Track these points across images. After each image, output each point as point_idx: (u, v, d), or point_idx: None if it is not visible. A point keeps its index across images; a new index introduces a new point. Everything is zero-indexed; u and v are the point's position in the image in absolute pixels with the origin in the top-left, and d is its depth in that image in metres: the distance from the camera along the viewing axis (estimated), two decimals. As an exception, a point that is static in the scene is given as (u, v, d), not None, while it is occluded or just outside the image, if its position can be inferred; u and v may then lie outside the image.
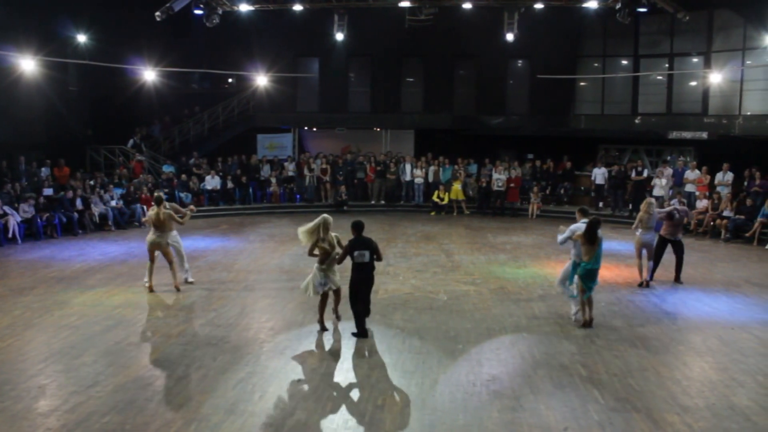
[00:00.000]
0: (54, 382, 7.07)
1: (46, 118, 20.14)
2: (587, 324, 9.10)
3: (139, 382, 7.11)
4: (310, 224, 8.76)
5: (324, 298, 8.89)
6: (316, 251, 8.76)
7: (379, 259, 8.72)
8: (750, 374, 7.44)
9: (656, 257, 11.76)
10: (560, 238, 9.41)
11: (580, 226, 9.18)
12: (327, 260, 8.75)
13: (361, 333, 8.65)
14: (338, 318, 9.26)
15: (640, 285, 11.56)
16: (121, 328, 8.99)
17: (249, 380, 7.15)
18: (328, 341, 8.56)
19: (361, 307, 8.66)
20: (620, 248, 15.01)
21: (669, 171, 19.22)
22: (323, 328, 8.89)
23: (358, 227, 8.69)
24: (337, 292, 9.08)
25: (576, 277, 9.12)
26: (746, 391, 6.95)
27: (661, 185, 18.75)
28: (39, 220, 16.07)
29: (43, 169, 18.84)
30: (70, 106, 21.29)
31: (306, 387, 7.07)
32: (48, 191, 17.31)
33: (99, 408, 6.40)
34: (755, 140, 20.15)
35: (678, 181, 18.81)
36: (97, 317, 9.44)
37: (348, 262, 8.66)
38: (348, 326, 8.93)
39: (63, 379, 7.14)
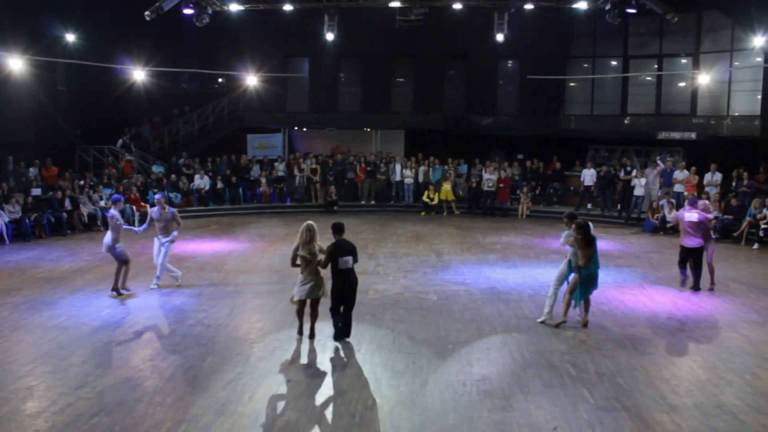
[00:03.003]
0: (42, 383, 7.02)
1: (34, 118, 19.98)
2: (560, 323, 9.11)
3: (128, 383, 7.07)
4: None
5: (302, 305, 8.48)
6: (298, 261, 8.31)
7: (355, 261, 8.37)
8: (738, 373, 7.50)
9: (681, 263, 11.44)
10: (561, 240, 9.43)
11: (572, 233, 9.12)
12: (306, 269, 8.30)
13: (341, 332, 8.37)
14: (312, 336, 8.53)
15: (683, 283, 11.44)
16: (110, 328, 8.94)
17: (239, 381, 7.13)
18: (317, 342, 8.50)
19: (341, 317, 8.37)
20: (609, 248, 15.07)
21: (660, 167, 19.33)
22: (300, 332, 8.56)
23: (339, 229, 8.32)
24: (314, 305, 8.52)
25: (572, 276, 9.14)
26: (734, 390, 7.00)
27: (641, 185, 18.91)
28: (27, 221, 15.96)
29: (31, 169, 18.72)
30: (59, 105, 21.15)
31: (296, 387, 7.05)
32: (36, 191, 17.20)
33: (88, 409, 6.37)
34: (743, 141, 20.33)
35: (667, 182, 18.93)
36: (85, 318, 9.39)
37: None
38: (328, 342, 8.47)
39: (51, 381, 7.09)
